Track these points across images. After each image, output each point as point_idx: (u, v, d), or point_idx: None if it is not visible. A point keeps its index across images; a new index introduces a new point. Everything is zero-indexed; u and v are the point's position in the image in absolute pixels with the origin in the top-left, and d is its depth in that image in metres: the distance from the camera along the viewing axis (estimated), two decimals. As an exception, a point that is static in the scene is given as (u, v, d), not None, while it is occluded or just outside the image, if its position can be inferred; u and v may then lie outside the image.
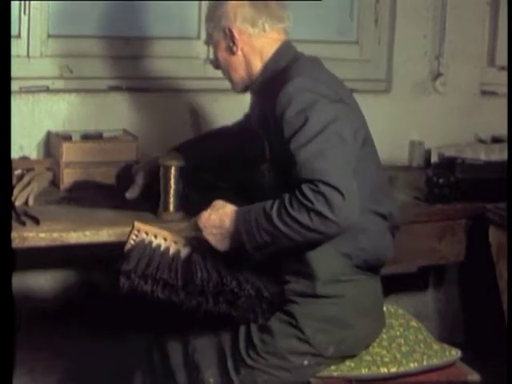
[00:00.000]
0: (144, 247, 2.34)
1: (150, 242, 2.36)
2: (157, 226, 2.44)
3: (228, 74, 2.52)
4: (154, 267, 2.30)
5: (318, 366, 2.38)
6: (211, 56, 3.34)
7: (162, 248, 2.36)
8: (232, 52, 2.47)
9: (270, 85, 2.39)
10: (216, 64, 2.56)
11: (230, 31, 2.44)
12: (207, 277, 2.28)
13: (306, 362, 2.36)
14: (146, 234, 2.37)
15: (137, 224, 2.39)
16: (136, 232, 2.37)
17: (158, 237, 2.38)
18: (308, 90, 2.30)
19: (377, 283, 2.49)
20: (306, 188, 2.19)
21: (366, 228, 2.36)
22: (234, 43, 2.45)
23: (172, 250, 2.36)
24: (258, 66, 2.47)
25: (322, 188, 2.17)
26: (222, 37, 2.47)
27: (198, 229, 2.34)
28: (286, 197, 2.22)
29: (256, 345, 2.35)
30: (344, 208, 2.17)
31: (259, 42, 2.46)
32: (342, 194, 2.17)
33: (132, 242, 2.37)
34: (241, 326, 2.37)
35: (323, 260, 2.33)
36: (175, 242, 2.38)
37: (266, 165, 2.38)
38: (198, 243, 2.36)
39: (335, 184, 2.17)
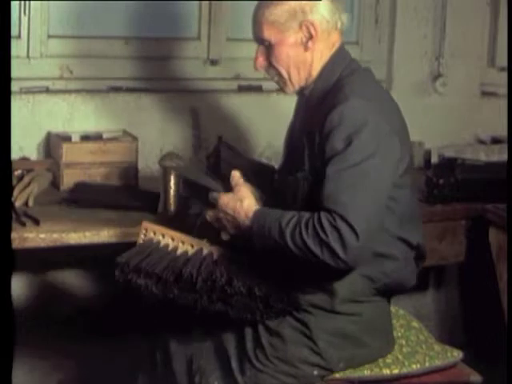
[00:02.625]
0: (149, 245, 2.35)
1: (158, 242, 2.37)
2: (165, 225, 2.44)
3: (287, 74, 2.39)
4: (150, 262, 2.30)
5: (325, 377, 2.36)
6: (211, 56, 3.39)
7: (169, 248, 2.36)
8: (306, 48, 2.35)
9: (322, 96, 2.34)
10: (267, 64, 2.41)
11: (309, 25, 2.32)
12: (196, 272, 2.27)
13: (315, 373, 2.34)
14: (154, 233, 2.38)
15: (144, 223, 2.40)
16: (144, 231, 2.39)
17: (166, 236, 2.38)
18: (360, 115, 2.22)
19: (388, 306, 2.48)
20: (324, 218, 2.16)
21: (392, 254, 2.34)
22: (311, 38, 2.34)
23: (180, 251, 2.36)
24: (317, 68, 2.38)
25: (340, 224, 2.13)
26: (293, 32, 2.34)
27: (216, 204, 2.34)
28: (304, 218, 2.19)
29: (265, 348, 2.34)
30: (356, 249, 2.14)
31: (324, 42, 2.37)
32: (357, 234, 2.13)
33: (141, 241, 2.38)
34: (246, 327, 2.36)
35: (345, 279, 2.30)
36: (183, 242, 2.37)
37: (303, 173, 2.32)
38: (206, 243, 2.37)
39: (353, 223, 2.13)
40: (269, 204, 2.35)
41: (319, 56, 2.38)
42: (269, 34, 2.36)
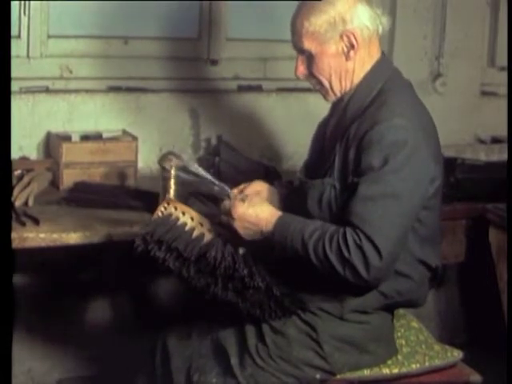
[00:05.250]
0: (169, 220, 2.33)
1: (177, 218, 2.34)
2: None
3: (329, 83, 2.35)
4: (172, 236, 2.28)
5: (327, 380, 2.36)
6: (211, 56, 3.39)
7: (186, 227, 2.33)
8: (347, 58, 2.31)
9: (362, 106, 2.30)
10: (308, 73, 2.36)
11: (349, 35, 2.28)
12: (221, 258, 2.25)
13: (318, 376, 2.34)
14: (175, 208, 2.35)
15: (168, 197, 2.41)
16: (165, 204, 2.36)
17: (186, 214, 2.35)
18: (401, 135, 2.20)
19: (392, 316, 2.48)
20: (349, 235, 2.16)
21: (409, 274, 2.34)
22: (353, 47, 2.30)
23: (196, 232, 2.33)
24: (359, 75, 2.33)
25: (365, 244, 2.14)
26: (333, 42, 2.29)
27: (229, 215, 2.31)
28: (328, 232, 2.19)
29: (269, 346, 2.33)
30: (379, 270, 2.16)
31: (366, 49, 2.32)
32: (381, 256, 2.14)
33: (160, 213, 2.36)
34: (248, 324, 2.35)
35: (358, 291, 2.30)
36: (201, 225, 2.35)
37: (331, 179, 2.30)
38: (223, 230, 2.34)
39: (379, 245, 2.14)
40: (288, 202, 2.34)
41: (361, 64, 2.34)
42: (309, 44, 2.32)
